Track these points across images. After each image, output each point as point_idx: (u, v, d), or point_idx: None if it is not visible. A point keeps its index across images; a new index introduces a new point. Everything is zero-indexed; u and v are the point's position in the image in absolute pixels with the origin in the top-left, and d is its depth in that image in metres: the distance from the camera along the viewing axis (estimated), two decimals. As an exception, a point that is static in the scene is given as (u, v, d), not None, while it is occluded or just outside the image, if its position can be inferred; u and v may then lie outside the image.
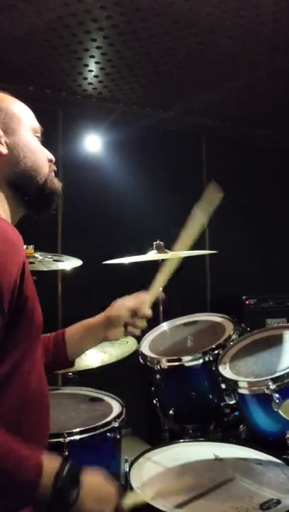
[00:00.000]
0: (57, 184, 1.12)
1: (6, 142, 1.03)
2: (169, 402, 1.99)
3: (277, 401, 1.46)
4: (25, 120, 1.07)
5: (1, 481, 0.82)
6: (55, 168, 1.13)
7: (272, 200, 4.31)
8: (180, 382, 1.97)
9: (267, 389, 1.51)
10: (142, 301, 1.21)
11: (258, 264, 4.07)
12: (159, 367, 1.98)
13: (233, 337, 1.95)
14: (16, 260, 0.90)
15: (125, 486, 1.18)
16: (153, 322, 2.35)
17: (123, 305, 1.21)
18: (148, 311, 1.21)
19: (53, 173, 1.11)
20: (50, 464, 0.86)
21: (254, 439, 1.63)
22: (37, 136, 1.10)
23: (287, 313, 3.64)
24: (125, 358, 1.85)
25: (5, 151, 1.02)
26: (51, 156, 1.13)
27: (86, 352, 1.30)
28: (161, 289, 1.34)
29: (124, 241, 3.36)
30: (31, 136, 1.08)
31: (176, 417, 1.93)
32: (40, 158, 1.08)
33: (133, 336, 1.31)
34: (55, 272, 3.32)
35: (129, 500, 0.99)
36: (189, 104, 3.59)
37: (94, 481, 0.92)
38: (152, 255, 2.36)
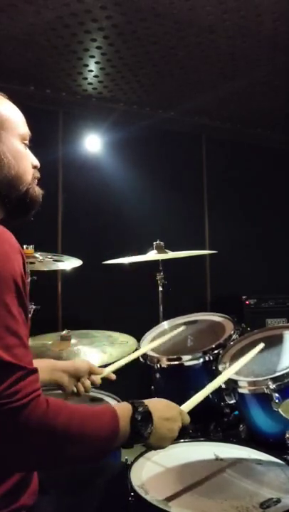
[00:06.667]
0: (38, 193, 1.10)
1: None
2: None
3: (277, 401, 1.46)
4: (15, 127, 1.05)
5: (86, 443, 0.90)
6: (39, 176, 1.12)
7: (272, 200, 4.32)
8: (180, 382, 1.97)
9: (267, 388, 1.51)
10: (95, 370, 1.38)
11: (258, 264, 4.08)
12: (159, 366, 1.99)
13: (233, 337, 1.95)
14: (18, 262, 0.90)
15: (125, 486, 1.18)
16: (153, 321, 2.36)
17: (87, 362, 1.38)
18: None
19: (36, 181, 1.10)
20: (123, 411, 0.97)
21: (254, 438, 1.63)
22: (24, 143, 1.08)
23: (287, 313, 3.65)
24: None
25: None
26: (37, 163, 1.12)
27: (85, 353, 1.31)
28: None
29: (124, 241, 3.36)
30: (19, 144, 1.05)
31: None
32: (25, 166, 1.06)
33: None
34: (55, 272, 3.32)
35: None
36: (189, 104, 3.59)
37: (160, 406, 1.07)
38: (152, 255, 2.37)
